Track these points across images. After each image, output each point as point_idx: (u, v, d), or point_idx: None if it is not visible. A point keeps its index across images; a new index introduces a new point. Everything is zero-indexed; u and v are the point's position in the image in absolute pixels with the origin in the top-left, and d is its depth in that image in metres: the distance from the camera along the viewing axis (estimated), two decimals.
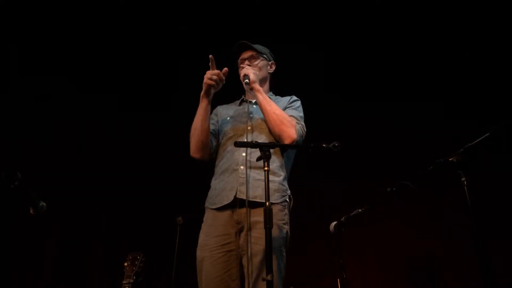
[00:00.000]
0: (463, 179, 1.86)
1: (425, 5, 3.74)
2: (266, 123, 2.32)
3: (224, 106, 2.66)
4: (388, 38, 3.97)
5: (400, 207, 3.46)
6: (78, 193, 4.04)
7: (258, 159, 2.08)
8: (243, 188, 2.14)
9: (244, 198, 2.10)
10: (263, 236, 1.87)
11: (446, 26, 3.67)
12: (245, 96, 2.56)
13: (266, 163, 1.96)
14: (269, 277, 1.77)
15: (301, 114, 2.45)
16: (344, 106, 4.15)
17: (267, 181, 1.91)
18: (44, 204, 1.88)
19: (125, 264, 3.03)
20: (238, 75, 2.48)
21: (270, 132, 2.32)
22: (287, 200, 2.28)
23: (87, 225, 4.02)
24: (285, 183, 2.32)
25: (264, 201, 1.90)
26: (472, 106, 3.55)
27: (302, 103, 2.53)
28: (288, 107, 2.45)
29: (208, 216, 2.26)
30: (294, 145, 2.33)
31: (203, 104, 2.32)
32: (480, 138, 1.88)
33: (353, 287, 3.46)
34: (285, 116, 2.29)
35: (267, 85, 2.59)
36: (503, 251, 2.93)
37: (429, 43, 3.87)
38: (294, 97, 2.55)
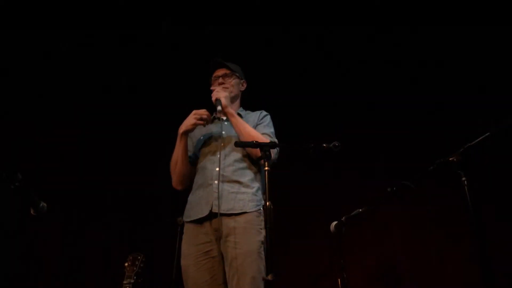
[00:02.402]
0: (463, 179, 1.86)
1: None
2: (242, 138, 2.37)
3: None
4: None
5: (401, 207, 3.46)
6: (78, 193, 4.04)
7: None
8: (217, 202, 2.22)
9: (221, 212, 2.20)
10: (241, 240, 2.08)
11: None
12: (216, 114, 2.58)
13: (266, 163, 2.00)
14: (269, 277, 1.78)
15: (272, 129, 2.56)
16: (344, 104, 4.15)
17: (267, 181, 1.94)
18: (45, 204, 1.89)
19: (126, 264, 3.03)
20: (210, 91, 2.56)
21: (248, 152, 2.39)
22: (261, 208, 2.33)
23: (87, 225, 4.02)
24: (259, 194, 2.39)
25: (239, 212, 2.16)
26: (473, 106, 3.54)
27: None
28: (259, 124, 2.55)
29: (188, 228, 2.37)
30: (289, 146, 2.41)
31: (183, 141, 2.44)
32: (480, 138, 1.88)
33: None
34: (259, 136, 2.36)
35: (238, 102, 2.69)
36: (504, 250, 2.93)
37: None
38: (264, 112, 2.65)
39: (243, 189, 2.30)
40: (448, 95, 3.70)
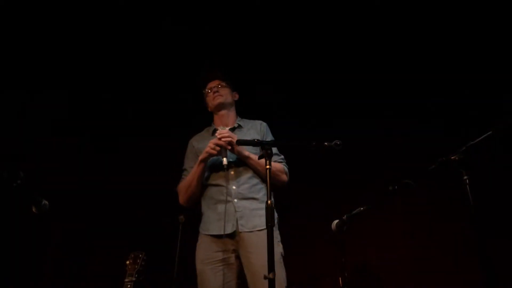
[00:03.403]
0: (465, 177, 1.86)
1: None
2: (260, 174, 2.54)
3: (197, 138, 2.85)
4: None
5: (402, 205, 3.46)
6: (79, 191, 4.04)
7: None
8: (243, 221, 2.39)
9: (244, 230, 2.37)
10: (263, 251, 2.05)
11: None
12: (215, 125, 2.78)
13: (268, 162, 2.03)
14: (271, 275, 1.79)
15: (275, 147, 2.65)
16: (345, 104, 4.15)
17: (268, 180, 1.97)
18: (47, 203, 1.90)
19: (127, 262, 3.04)
20: (205, 103, 2.83)
21: (262, 177, 2.53)
22: (276, 222, 2.43)
23: (88, 223, 4.02)
24: (273, 208, 2.44)
25: (262, 228, 2.25)
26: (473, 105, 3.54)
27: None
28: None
29: (205, 239, 2.50)
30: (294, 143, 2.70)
31: (200, 167, 2.54)
32: (482, 137, 1.88)
33: (355, 287, 3.45)
34: (275, 165, 2.50)
35: (234, 111, 2.84)
36: (504, 250, 2.93)
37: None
38: (263, 125, 2.79)
39: (261, 205, 2.41)
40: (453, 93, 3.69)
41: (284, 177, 2.60)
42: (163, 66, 4.32)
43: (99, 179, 4.16)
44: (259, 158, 2.42)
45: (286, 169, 2.64)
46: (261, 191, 2.53)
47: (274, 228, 2.34)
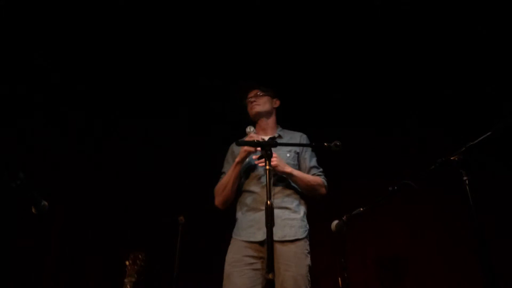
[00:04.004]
0: (464, 178, 1.86)
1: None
2: (301, 188, 2.62)
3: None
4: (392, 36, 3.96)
5: (402, 206, 3.46)
6: (79, 191, 4.04)
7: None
8: (274, 230, 2.30)
9: (276, 239, 2.30)
10: (292, 263, 2.26)
11: None
12: (257, 132, 2.81)
13: (267, 162, 2.04)
14: (270, 276, 1.79)
15: (315, 158, 2.79)
16: (345, 104, 4.15)
17: (268, 178, 1.99)
18: (46, 203, 1.89)
19: (127, 262, 3.04)
20: (246, 112, 2.90)
21: (302, 190, 2.63)
22: (308, 233, 2.55)
23: (88, 224, 4.02)
24: (305, 219, 2.59)
25: (292, 239, 2.38)
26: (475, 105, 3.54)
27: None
28: (304, 157, 2.75)
29: (236, 243, 2.54)
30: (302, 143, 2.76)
31: (236, 169, 2.61)
32: (482, 137, 1.88)
33: (354, 287, 3.45)
34: (315, 180, 2.63)
35: (273, 118, 2.92)
36: (504, 250, 2.93)
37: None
38: (304, 136, 2.85)
39: (292, 215, 2.50)
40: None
41: (323, 190, 2.65)
42: None
43: (100, 178, 4.17)
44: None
45: (325, 183, 2.69)
46: (294, 202, 2.58)
47: (305, 239, 2.48)
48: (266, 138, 2.74)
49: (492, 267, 1.76)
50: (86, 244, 3.93)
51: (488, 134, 1.87)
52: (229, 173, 2.63)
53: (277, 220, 2.38)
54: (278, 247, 2.38)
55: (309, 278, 2.35)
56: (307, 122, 4.03)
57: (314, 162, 2.75)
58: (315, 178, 2.64)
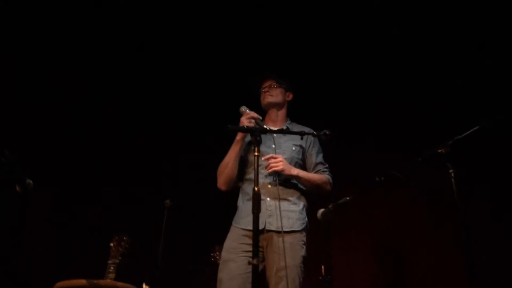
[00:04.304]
0: (450, 171, 1.88)
1: None
2: (306, 188, 2.65)
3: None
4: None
5: (388, 196, 3.49)
6: (66, 172, 4.01)
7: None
8: (271, 220, 2.46)
9: (273, 229, 2.43)
10: (288, 254, 2.30)
11: None
12: (265, 122, 2.82)
13: (256, 149, 2.04)
14: (255, 261, 1.80)
15: (321, 152, 2.81)
16: (339, 93, 4.16)
17: (256, 167, 1.99)
18: (31, 182, 1.87)
19: (111, 244, 3.05)
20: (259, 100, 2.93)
21: (307, 189, 2.66)
22: (306, 226, 2.57)
23: (73, 205, 4.00)
24: (304, 212, 2.60)
25: (289, 230, 2.42)
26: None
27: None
28: (310, 152, 2.77)
29: (234, 230, 2.55)
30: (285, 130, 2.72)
31: (238, 145, 2.62)
32: (469, 131, 1.90)
33: (337, 275, 3.49)
34: (321, 178, 2.66)
35: (284, 111, 2.93)
36: (487, 243, 2.97)
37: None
38: (313, 138, 2.80)
39: (292, 207, 2.52)
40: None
41: (328, 187, 2.68)
42: None
43: (87, 160, 4.14)
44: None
45: (331, 179, 2.71)
46: (295, 194, 2.61)
47: (303, 231, 2.51)
48: (274, 129, 2.74)
49: (475, 259, 1.79)
50: (71, 226, 3.91)
51: (475, 128, 1.89)
52: (230, 152, 2.64)
53: (276, 211, 2.46)
54: (274, 237, 2.42)
55: (303, 269, 2.40)
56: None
57: (320, 158, 2.77)
58: (320, 176, 2.67)
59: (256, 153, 2.03)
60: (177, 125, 4.48)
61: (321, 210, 2.56)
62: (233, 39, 4.33)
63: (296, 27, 4.21)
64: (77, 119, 4.22)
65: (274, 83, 2.91)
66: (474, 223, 2.28)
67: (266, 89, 2.90)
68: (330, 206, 2.51)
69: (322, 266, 3.20)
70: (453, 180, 1.84)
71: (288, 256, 2.33)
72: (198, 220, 4.13)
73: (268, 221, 2.45)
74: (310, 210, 2.64)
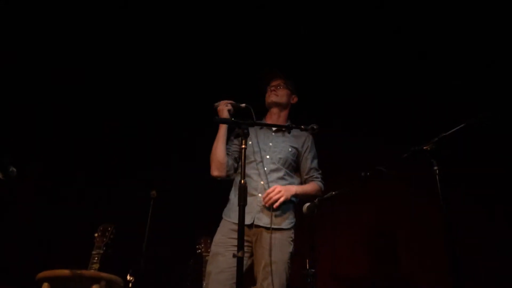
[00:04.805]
0: (435, 167, 1.89)
1: None
2: (300, 198, 2.65)
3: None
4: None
5: (374, 191, 3.51)
6: (50, 162, 3.97)
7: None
8: (260, 215, 2.49)
9: (261, 225, 2.46)
10: (276, 249, 2.36)
11: None
12: (265, 120, 2.88)
13: (244, 141, 2.05)
14: (239, 254, 1.82)
15: (317, 159, 2.83)
16: (326, 89, 4.18)
17: (243, 159, 2.03)
18: (14, 169, 1.85)
19: (96, 235, 3.03)
20: (263, 96, 2.92)
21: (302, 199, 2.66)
22: (294, 225, 2.59)
23: (58, 194, 3.97)
24: (293, 212, 2.62)
25: (278, 227, 2.45)
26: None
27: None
28: (306, 157, 2.78)
29: (225, 224, 2.57)
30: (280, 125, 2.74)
31: (222, 131, 2.65)
32: (455, 128, 1.91)
33: (322, 269, 3.52)
34: (313, 188, 2.70)
35: (286, 112, 2.92)
36: (470, 238, 3.00)
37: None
38: (311, 139, 2.83)
39: (282, 206, 2.51)
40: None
41: (319, 194, 2.69)
42: None
43: (74, 150, 4.10)
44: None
45: (322, 187, 2.74)
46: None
47: (291, 228, 2.53)
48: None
49: (458, 252, 1.81)
50: (56, 215, 3.87)
51: (461, 125, 1.90)
52: (217, 136, 2.65)
53: (265, 208, 2.49)
54: (263, 233, 2.44)
55: (290, 265, 2.44)
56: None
57: (315, 163, 2.79)
58: (313, 186, 2.71)
59: (243, 146, 2.04)
60: (164, 116, 4.45)
61: (307, 204, 2.57)
62: (233, 39, 4.32)
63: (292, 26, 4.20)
64: (63, 107, 4.18)
65: (282, 84, 2.91)
66: (457, 214, 2.30)
67: (272, 88, 2.90)
68: (316, 201, 2.52)
69: (307, 260, 3.22)
70: (437, 177, 1.86)
71: (276, 252, 2.37)
72: (183, 211, 4.12)
73: (257, 216, 2.47)
74: (296, 205, 2.65)
